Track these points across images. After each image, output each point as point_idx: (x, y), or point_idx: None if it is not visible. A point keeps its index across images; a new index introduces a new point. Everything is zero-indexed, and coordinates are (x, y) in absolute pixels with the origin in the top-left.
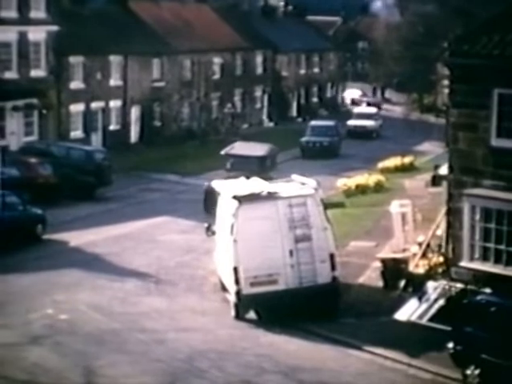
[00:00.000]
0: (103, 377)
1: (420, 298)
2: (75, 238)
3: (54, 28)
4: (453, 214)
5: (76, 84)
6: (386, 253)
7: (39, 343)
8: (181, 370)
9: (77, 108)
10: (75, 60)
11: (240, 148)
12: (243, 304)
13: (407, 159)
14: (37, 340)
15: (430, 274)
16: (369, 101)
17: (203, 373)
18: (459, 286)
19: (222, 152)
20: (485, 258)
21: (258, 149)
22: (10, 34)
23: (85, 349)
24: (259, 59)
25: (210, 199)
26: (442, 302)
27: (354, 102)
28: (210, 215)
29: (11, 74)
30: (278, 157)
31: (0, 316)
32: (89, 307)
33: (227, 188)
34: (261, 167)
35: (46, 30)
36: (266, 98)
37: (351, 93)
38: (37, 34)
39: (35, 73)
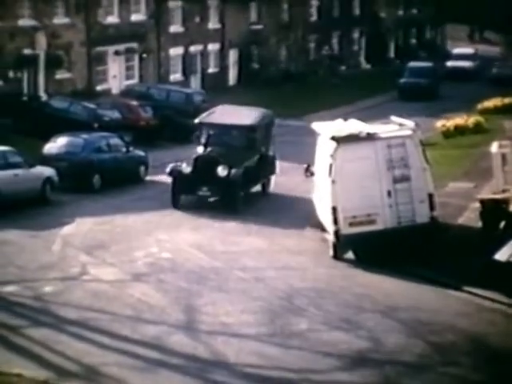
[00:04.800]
0: (204, 314)
1: None
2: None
3: None
4: None
5: (175, 28)
6: (486, 193)
7: (143, 280)
8: (280, 307)
9: (176, 51)
10: (174, 4)
11: (221, 114)
12: (342, 244)
13: (507, 100)
14: (141, 277)
15: None
16: None
17: (302, 311)
18: None
19: (196, 120)
20: None
21: (244, 115)
22: None
23: (187, 286)
24: (357, 1)
25: (180, 186)
26: None
27: None
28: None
29: (112, 19)
30: (274, 127)
31: (107, 254)
32: (191, 246)
33: (326, 129)
34: (249, 142)
35: None
36: (363, 39)
37: None
38: None
39: (135, 17)
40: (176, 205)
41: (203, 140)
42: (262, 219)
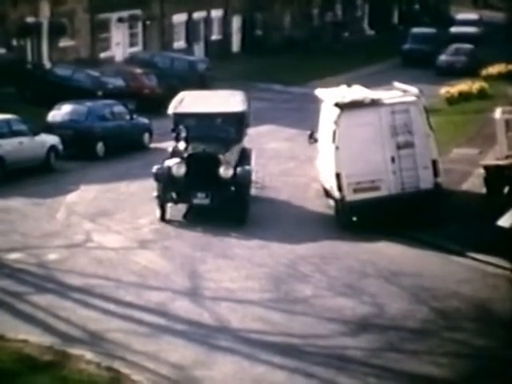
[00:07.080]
0: (209, 280)
1: None
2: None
3: None
4: None
5: None
6: (490, 159)
7: (148, 247)
8: (285, 274)
9: (179, 18)
10: None
11: (196, 102)
12: (346, 210)
13: None
14: (146, 244)
15: None
16: None
17: (306, 277)
18: None
19: (169, 111)
20: None
21: (226, 101)
22: None
23: (191, 253)
24: None
25: (169, 193)
26: None
27: None
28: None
29: None
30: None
31: (111, 221)
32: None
33: (329, 95)
34: (236, 133)
35: None
36: (367, 6)
37: None
38: None
39: None
40: (163, 217)
41: (183, 134)
42: (267, 184)
